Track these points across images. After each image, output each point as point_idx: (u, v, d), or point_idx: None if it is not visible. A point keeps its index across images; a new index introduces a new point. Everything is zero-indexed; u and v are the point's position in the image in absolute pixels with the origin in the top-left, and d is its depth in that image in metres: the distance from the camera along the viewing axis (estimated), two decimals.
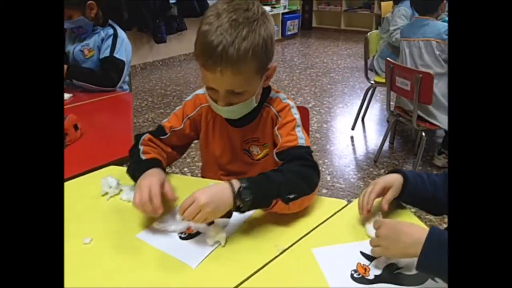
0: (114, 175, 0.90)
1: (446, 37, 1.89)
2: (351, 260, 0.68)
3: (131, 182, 0.87)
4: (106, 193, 0.87)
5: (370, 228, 0.74)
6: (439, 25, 1.98)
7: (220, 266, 0.67)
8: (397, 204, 0.81)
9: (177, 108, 0.98)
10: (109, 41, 1.59)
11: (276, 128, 0.89)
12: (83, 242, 0.72)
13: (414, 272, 0.64)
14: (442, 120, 1.96)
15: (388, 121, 2.82)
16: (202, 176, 1.10)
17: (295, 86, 3.72)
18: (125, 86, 1.72)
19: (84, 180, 0.93)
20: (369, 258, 0.69)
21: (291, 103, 0.91)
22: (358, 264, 0.68)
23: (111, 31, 1.63)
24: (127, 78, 1.70)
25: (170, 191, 0.78)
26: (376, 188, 0.77)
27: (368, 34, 2.74)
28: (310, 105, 3.22)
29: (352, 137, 2.68)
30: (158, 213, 0.73)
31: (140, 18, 3.89)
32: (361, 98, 2.81)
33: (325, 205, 0.83)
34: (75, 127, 1.13)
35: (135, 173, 0.83)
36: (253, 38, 0.74)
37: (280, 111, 0.90)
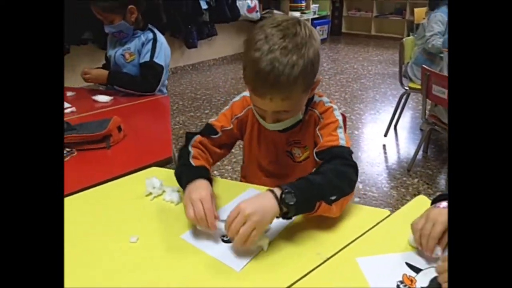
0: (157, 176, 0.92)
1: None
2: (396, 271, 0.67)
3: (174, 184, 0.89)
4: (150, 194, 0.89)
5: (412, 238, 0.72)
6: None
7: (263, 271, 0.67)
8: None
9: (225, 108, 1.00)
10: (149, 46, 1.64)
11: (317, 129, 0.90)
12: (130, 240, 0.74)
13: None
14: None
15: (421, 129, 2.75)
16: (243, 176, 1.11)
17: (324, 92, 3.69)
18: (164, 90, 1.76)
19: (128, 181, 0.96)
20: (415, 269, 0.68)
21: (334, 106, 0.93)
22: (404, 275, 0.66)
23: (150, 35, 1.68)
24: (165, 82, 1.74)
25: (215, 208, 0.77)
26: (435, 233, 0.69)
27: (404, 40, 2.69)
28: (340, 111, 3.18)
29: (384, 145, 2.63)
30: (213, 230, 0.73)
31: (173, 24, 3.98)
32: (393, 105, 2.76)
33: (368, 215, 0.81)
34: (119, 128, 1.17)
35: (182, 177, 0.85)
36: (302, 64, 0.74)
37: (322, 113, 0.92)
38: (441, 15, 2.55)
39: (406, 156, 2.45)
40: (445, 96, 1.89)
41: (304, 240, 0.74)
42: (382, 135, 2.71)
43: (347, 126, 3.17)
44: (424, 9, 3.20)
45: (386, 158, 2.50)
